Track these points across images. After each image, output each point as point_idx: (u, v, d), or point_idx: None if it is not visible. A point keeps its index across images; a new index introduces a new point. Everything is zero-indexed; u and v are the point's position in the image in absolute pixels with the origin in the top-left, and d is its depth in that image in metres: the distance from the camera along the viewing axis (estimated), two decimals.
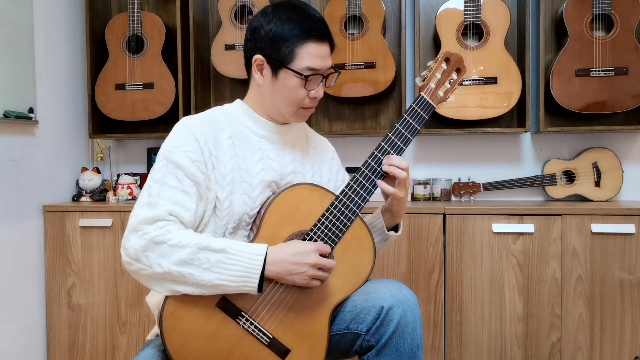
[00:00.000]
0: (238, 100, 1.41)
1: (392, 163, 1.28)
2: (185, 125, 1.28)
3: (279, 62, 1.28)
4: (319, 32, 1.28)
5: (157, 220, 1.19)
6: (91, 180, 2.62)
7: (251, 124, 1.36)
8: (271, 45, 1.28)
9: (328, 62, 1.31)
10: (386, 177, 1.30)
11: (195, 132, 1.26)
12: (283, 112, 1.33)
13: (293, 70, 1.27)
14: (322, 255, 1.23)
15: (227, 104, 1.40)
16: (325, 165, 1.48)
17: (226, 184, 1.27)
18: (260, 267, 1.18)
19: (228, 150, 1.29)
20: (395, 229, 1.42)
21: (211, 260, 1.17)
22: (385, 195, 1.32)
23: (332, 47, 1.33)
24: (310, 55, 1.27)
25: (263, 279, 1.19)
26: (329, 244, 1.26)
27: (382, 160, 1.29)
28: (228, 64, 2.56)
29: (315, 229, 1.26)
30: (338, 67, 2.41)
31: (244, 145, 1.32)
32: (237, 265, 1.17)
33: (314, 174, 1.42)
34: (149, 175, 1.26)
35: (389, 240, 1.42)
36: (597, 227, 2.10)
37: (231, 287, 1.18)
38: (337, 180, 1.50)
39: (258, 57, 1.30)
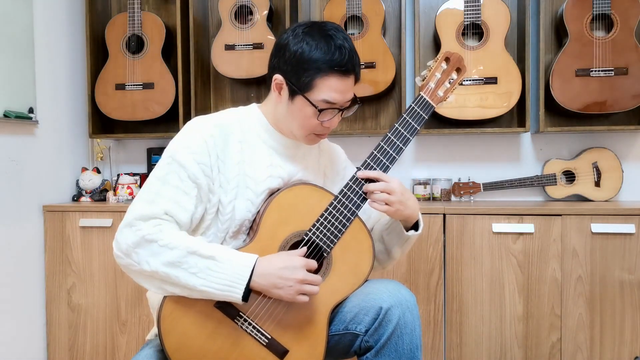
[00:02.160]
0: (254, 106, 1.38)
1: (368, 189, 1.26)
2: (196, 126, 1.27)
3: (296, 88, 1.25)
4: (345, 67, 1.23)
5: (152, 218, 1.19)
6: (91, 180, 2.62)
7: (263, 133, 1.34)
8: (293, 69, 1.24)
9: (348, 96, 1.27)
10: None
11: (205, 134, 1.25)
12: (295, 133, 1.32)
13: (309, 100, 1.24)
14: (310, 271, 1.21)
15: (243, 107, 1.38)
16: (337, 176, 1.46)
17: (230, 188, 1.27)
18: (246, 279, 1.17)
19: (236, 155, 1.28)
20: (416, 227, 1.37)
21: (199, 265, 1.16)
22: None
23: (357, 78, 1.29)
24: (330, 89, 1.23)
25: (249, 290, 1.18)
26: (328, 244, 1.26)
27: (383, 160, 1.29)
28: (228, 64, 2.56)
29: (314, 229, 1.26)
30: None
31: (253, 151, 1.31)
32: (223, 274, 1.16)
33: (324, 185, 1.40)
34: (152, 171, 1.26)
35: (410, 240, 1.37)
36: (597, 227, 2.09)
37: (215, 294, 1.17)
38: None
39: (278, 77, 1.27)
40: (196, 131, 1.26)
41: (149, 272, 1.18)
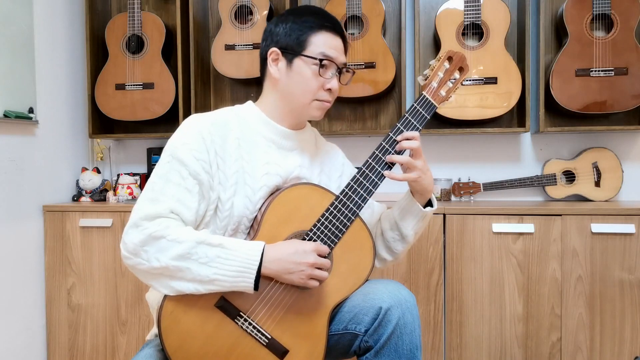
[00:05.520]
0: (249, 102, 1.40)
1: (397, 148, 1.29)
2: (194, 123, 1.28)
3: (293, 52, 1.30)
4: (333, 24, 1.33)
5: (158, 217, 1.19)
6: (91, 180, 2.62)
7: (261, 127, 1.35)
8: (286, 36, 1.31)
9: (342, 57, 1.34)
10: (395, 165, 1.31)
11: (202, 130, 1.26)
12: (298, 105, 1.33)
13: (307, 56, 1.29)
14: (320, 255, 1.22)
15: (238, 105, 1.39)
16: (335, 172, 1.47)
17: (229, 185, 1.27)
18: (257, 264, 1.17)
19: (234, 151, 1.29)
20: (430, 204, 1.40)
21: (209, 254, 1.17)
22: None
23: (346, 46, 1.36)
24: (324, 43, 1.30)
25: (260, 276, 1.19)
26: (329, 244, 1.26)
27: (383, 159, 1.29)
28: (228, 64, 2.56)
29: (314, 229, 1.26)
30: None
31: (251, 147, 1.31)
32: (234, 260, 1.17)
33: (321, 182, 1.41)
34: (154, 170, 1.26)
35: (426, 218, 1.40)
36: (597, 227, 2.09)
37: (227, 282, 1.17)
38: None
39: (273, 50, 1.32)
40: (193, 128, 1.26)
41: (158, 268, 1.17)
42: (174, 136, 1.27)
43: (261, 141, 1.33)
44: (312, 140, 1.45)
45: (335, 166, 1.48)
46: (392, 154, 1.29)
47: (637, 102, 2.28)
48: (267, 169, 1.31)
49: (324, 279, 1.22)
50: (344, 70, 1.35)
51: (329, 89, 1.32)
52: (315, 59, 1.29)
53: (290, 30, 1.31)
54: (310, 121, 1.46)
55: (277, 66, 1.32)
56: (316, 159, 1.43)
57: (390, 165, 1.30)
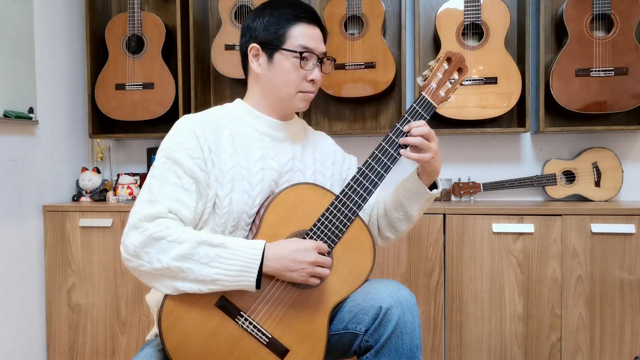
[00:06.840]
0: (238, 100, 1.41)
1: (409, 136, 1.29)
2: (186, 123, 1.28)
3: (272, 46, 1.31)
4: (310, 14, 1.33)
5: (157, 218, 1.19)
6: (91, 180, 2.62)
7: (252, 121, 1.36)
8: (264, 32, 1.32)
9: (321, 46, 1.34)
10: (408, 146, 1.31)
11: (195, 129, 1.26)
12: (283, 98, 1.34)
13: (287, 50, 1.30)
14: (320, 253, 1.22)
15: (227, 103, 1.41)
16: (328, 159, 1.48)
17: (226, 181, 1.27)
18: (259, 262, 1.18)
19: (228, 148, 1.29)
20: (435, 186, 1.42)
21: (210, 254, 1.17)
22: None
23: (325, 34, 1.37)
24: (302, 35, 1.31)
25: (261, 274, 1.19)
26: (329, 244, 1.26)
27: (384, 159, 1.29)
28: (228, 64, 2.56)
29: (315, 229, 1.26)
30: (337, 67, 2.41)
31: (244, 143, 1.32)
32: (235, 259, 1.17)
33: (316, 171, 1.42)
34: (149, 173, 1.26)
35: (431, 199, 1.41)
36: (597, 227, 2.10)
37: (229, 281, 1.17)
38: (342, 171, 1.50)
39: (253, 46, 1.33)
40: (186, 127, 1.27)
41: (160, 269, 1.17)
42: (167, 137, 1.28)
43: (254, 135, 1.34)
44: (302, 129, 1.47)
45: (327, 154, 1.48)
46: (400, 146, 1.30)
47: (637, 102, 2.28)
48: (262, 163, 1.32)
49: (326, 276, 1.23)
50: (325, 59, 1.36)
51: (312, 80, 1.34)
52: (295, 52, 1.30)
53: (268, 25, 1.32)
54: (309, 120, 1.46)
55: (258, 61, 1.34)
56: (308, 147, 1.44)
57: (399, 155, 1.30)
